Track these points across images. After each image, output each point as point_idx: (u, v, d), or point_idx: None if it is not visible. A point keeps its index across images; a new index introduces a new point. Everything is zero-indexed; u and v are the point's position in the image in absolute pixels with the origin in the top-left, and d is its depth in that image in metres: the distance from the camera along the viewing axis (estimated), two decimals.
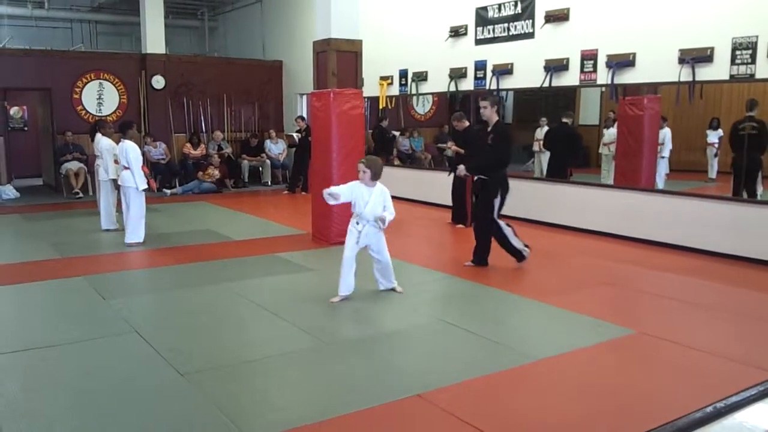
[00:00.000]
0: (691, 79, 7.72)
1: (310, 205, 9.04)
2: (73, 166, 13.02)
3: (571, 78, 9.15)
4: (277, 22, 15.90)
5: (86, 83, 13.80)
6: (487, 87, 10.33)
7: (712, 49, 7.51)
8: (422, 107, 14.25)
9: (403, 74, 12.02)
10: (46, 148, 14.63)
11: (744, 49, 7.25)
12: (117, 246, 8.30)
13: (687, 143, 10.50)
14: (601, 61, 8.70)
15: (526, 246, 7.27)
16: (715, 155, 11.02)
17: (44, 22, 16.86)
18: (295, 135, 13.63)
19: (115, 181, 8.89)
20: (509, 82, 10.11)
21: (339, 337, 5.04)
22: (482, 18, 10.41)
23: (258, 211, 11.24)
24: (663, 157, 10.07)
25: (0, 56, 13.22)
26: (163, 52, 14.66)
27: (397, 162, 13.82)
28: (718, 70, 7.50)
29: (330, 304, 5.79)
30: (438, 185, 10.30)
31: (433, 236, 9.26)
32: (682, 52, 7.77)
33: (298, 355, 4.67)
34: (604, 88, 9.78)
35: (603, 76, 8.71)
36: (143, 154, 13.16)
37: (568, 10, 9.13)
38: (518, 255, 7.21)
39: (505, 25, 10.02)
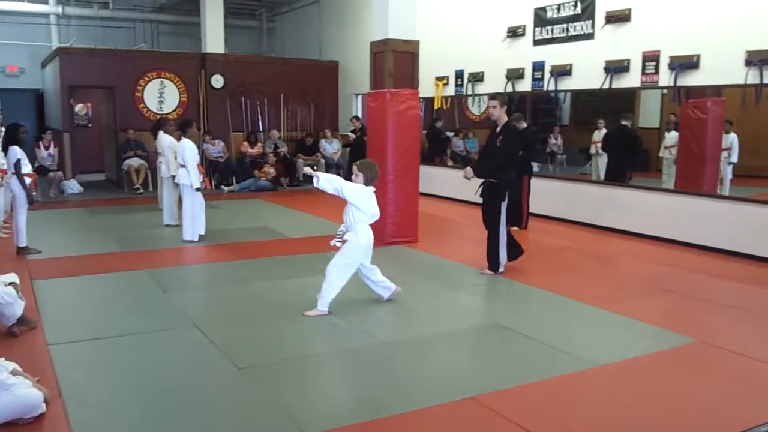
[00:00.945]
0: (758, 81, 7.49)
1: None
2: (135, 162, 13.37)
3: (631, 80, 8.97)
4: (333, 22, 16.03)
5: (148, 82, 14.14)
6: (545, 88, 10.22)
7: None
8: (477, 108, 14.16)
9: (459, 75, 11.97)
10: (108, 145, 15.06)
11: None
12: (177, 241, 8.50)
13: (753, 148, 10.17)
14: (664, 62, 8.50)
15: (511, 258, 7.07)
16: None
17: (108, 22, 17.38)
18: (350, 134, 13.72)
19: (173, 177, 9.09)
20: (568, 84, 9.97)
21: (393, 337, 5.05)
22: (541, 18, 10.29)
23: (312, 209, 11.34)
24: (730, 163, 9.80)
25: (66, 55, 13.66)
26: (223, 51, 14.94)
27: (450, 163, 13.77)
28: None
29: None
30: None
31: (485, 237, 9.17)
32: (749, 53, 7.54)
33: (352, 353, 4.71)
34: (665, 91, 9.55)
35: (665, 78, 8.51)
36: (202, 152, 13.49)
37: (629, 10, 8.95)
38: (497, 264, 6.91)
39: (564, 25, 9.88)
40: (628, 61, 8.95)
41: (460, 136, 14.44)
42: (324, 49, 16.48)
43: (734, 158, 9.82)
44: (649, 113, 12.26)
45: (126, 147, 13.54)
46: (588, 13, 9.52)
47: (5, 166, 7.81)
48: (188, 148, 8.38)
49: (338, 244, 5.55)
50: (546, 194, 10.25)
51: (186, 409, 3.81)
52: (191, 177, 8.35)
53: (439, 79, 12.35)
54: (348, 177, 13.89)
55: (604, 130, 11.74)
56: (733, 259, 7.72)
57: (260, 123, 15.25)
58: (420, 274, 6.92)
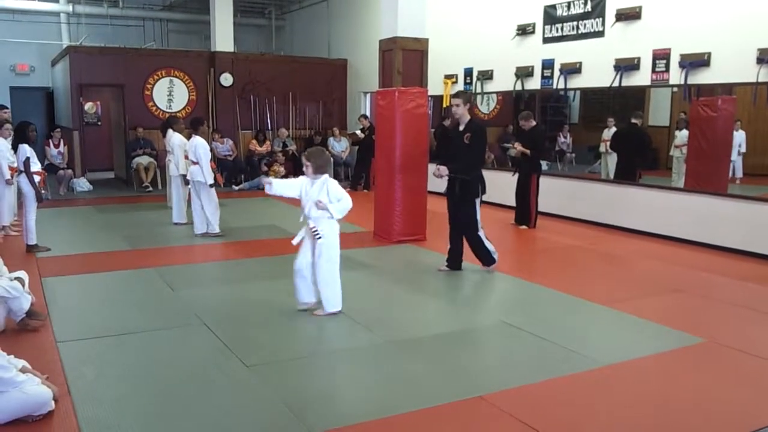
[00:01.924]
0: None
1: (371, 203, 9.08)
2: (144, 160, 13.41)
3: (642, 78, 8.92)
4: (342, 21, 16.01)
5: (157, 80, 14.17)
6: (555, 86, 10.19)
7: None
8: (486, 106, 14.11)
9: (468, 73, 11.93)
10: (118, 143, 15.11)
11: None
12: (185, 239, 8.52)
13: (763, 146, 10.10)
14: (674, 60, 8.45)
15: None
16: None
17: (118, 20, 17.41)
18: (358, 132, 13.71)
19: (184, 176, 9.11)
20: (577, 82, 9.93)
21: (401, 335, 5.04)
22: (550, 16, 10.25)
23: None
24: (740, 154, 9.78)
25: (76, 54, 13.70)
26: (232, 50, 14.96)
27: None
28: None
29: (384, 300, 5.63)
30: (501, 185, 10.19)
31: (495, 237, 9.12)
32: (761, 51, 7.48)
33: (360, 352, 4.70)
34: (675, 89, 9.50)
35: (676, 76, 8.46)
36: (211, 150, 13.51)
37: (640, 8, 8.91)
38: (456, 263, 6.91)
39: (574, 23, 9.84)
40: (639, 59, 8.90)
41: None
42: (333, 47, 16.48)
43: (743, 149, 9.79)
44: (659, 111, 12.18)
45: (135, 145, 13.59)
46: (598, 10, 9.47)
47: (15, 164, 7.85)
48: (200, 146, 8.41)
49: (318, 240, 5.34)
50: (555, 193, 10.21)
51: (194, 406, 3.81)
52: (205, 173, 8.38)
53: (448, 77, 12.32)
54: (357, 175, 13.90)
55: (613, 129, 11.67)
56: (744, 259, 7.67)
57: (269, 121, 15.26)
58: (428, 273, 6.89)
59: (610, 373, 4.33)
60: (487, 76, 11.53)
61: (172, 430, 3.52)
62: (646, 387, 4.15)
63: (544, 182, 9.55)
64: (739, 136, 9.79)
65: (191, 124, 8.84)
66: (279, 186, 5.42)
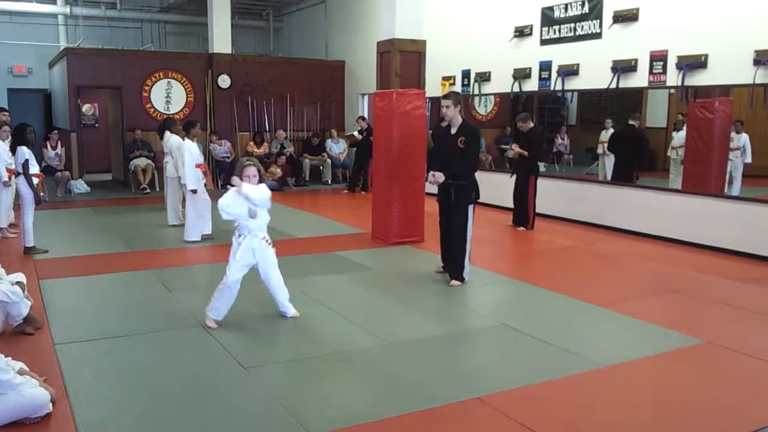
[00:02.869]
0: (766, 81, 7.45)
1: (369, 205, 9.09)
2: (141, 162, 13.41)
3: (639, 79, 8.93)
4: (340, 22, 16.03)
5: (155, 82, 14.17)
6: (552, 88, 10.20)
7: None
8: (484, 108, 14.13)
9: (466, 74, 11.95)
10: (115, 145, 15.10)
11: None
12: (182, 241, 8.50)
13: (762, 148, 10.11)
14: (671, 62, 8.46)
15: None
16: None
17: (116, 22, 17.43)
18: (356, 134, 13.71)
19: (179, 178, 9.10)
20: (575, 83, 9.95)
21: (399, 337, 5.03)
22: (548, 18, 10.27)
23: (319, 209, 11.36)
24: (744, 163, 9.76)
25: (74, 55, 13.69)
26: (230, 52, 14.96)
27: None
28: None
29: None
30: (498, 187, 10.21)
31: (494, 239, 9.16)
32: (758, 53, 7.49)
33: (358, 354, 4.70)
34: (672, 90, 9.52)
35: (673, 77, 8.48)
36: (208, 152, 13.51)
37: (637, 9, 8.92)
38: (462, 271, 6.50)
39: (572, 25, 9.86)
40: (636, 60, 8.91)
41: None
42: (330, 49, 16.49)
43: (748, 158, 9.76)
44: (656, 113, 12.21)
45: (133, 147, 13.58)
46: (595, 12, 9.49)
47: (13, 166, 7.85)
48: (187, 149, 8.40)
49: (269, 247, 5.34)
50: (552, 194, 10.23)
51: (192, 408, 3.81)
52: (187, 178, 8.37)
53: (445, 78, 12.33)
54: (354, 176, 13.89)
55: (611, 130, 11.70)
56: (741, 260, 7.68)
57: (266, 123, 15.27)
58: (426, 274, 6.89)
59: (609, 375, 4.34)
60: (484, 77, 11.54)
61: None
62: (644, 388, 4.16)
63: (542, 184, 9.56)
64: (743, 139, 9.75)
65: (184, 127, 8.84)
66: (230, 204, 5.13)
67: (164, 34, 18.24)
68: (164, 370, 4.37)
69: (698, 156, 9.25)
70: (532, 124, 9.42)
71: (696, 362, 4.61)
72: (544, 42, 10.37)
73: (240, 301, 5.92)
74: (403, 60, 8.57)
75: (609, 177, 11.10)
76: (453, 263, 6.54)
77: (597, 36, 9.51)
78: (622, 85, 9.15)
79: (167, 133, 9.52)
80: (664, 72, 8.59)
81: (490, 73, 11.44)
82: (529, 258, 8.01)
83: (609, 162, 11.43)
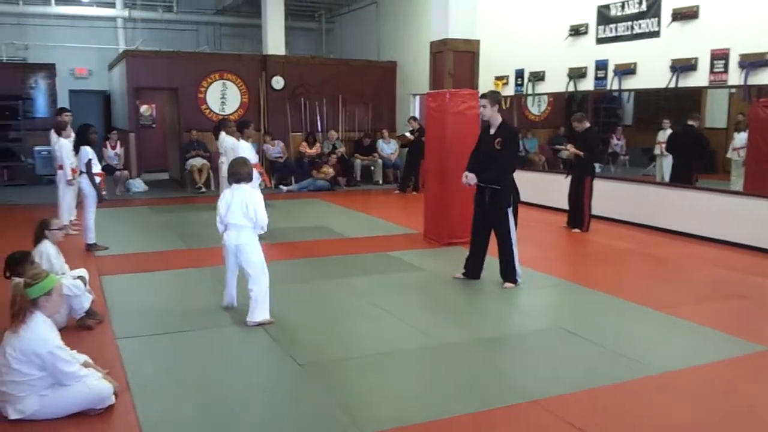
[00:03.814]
0: None
1: (420, 205, 9.08)
2: (197, 162, 13.66)
3: (699, 79, 8.71)
4: (392, 23, 16.05)
5: (210, 83, 14.42)
6: (608, 87, 10.03)
7: None
8: (537, 108, 13.97)
9: (519, 74, 11.83)
10: (172, 145, 15.43)
11: None
12: None
13: None
14: (733, 60, 8.22)
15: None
16: None
17: (173, 25, 17.83)
18: (407, 134, 13.71)
19: None
20: (632, 83, 9.75)
21: (452, 339, 5.01)
22: (604, 16, 10.09)
23: (370, 209, 11.39)
24: None
25: (133, 57, 14.05)
26: (283, 53, 15.13)
27: None
28: None
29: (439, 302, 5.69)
30: (552, 188, 10.08)
31: (548, 240, 9.06)
32: None
33: (412, 354, 4.71)
34: (733, 90, 9.25)
35: (735, 76, 8.23)
36: (262, 152, 13.68)
37: (697, 7, 8.69)
38: (476, 272, 6.48)
39: (629, 23, 9.67)
40: (696, 59, 8.69)
41: (519, 136, 14.25)
42: (382, 49, 16.53)
43: None
44: (715, 113, 11.86)
45: (189, 147, 13.85)
46: (654, 10, 9.28)
47: (75, 165, 8.09)
48: (243, 149, 8.52)
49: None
50: (609, 196, 10.04)
51: (248, 403, 3.88)
52: None
53: (498, 78, 12.23)
54: (405, 177, 13.89)
55: (668, 131, 11.42)
56: None
57: (319, 123, 15.39)
58: (490, 275, 6.84)
59: (667, 381, 4.24)
60: (538, 77, 11.41)
61: (226, 426, 3.58)
62: (704, 396, 4.06)
63: (597, 185, 9.39)
64: None
65: (238, 127, 8.97)
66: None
67: (219, 36, 18.57)
68: (221, 366, 4.46)
69: (761, 157, 8.95)
70: (587, 125, 9.27)
71: (759, 370, 4.48)
72: (600, 41, 10.19)
73: (294, 300, 6.01)
74: (456, 60, 8.54)
75: (667, 178, 10.83)
76: (503, 266, 6.45)
77: (655, 34, 9.30)
78: (681, 84, 8.93)
79: (222, 134, 9.67)
80: (726, 71, 8.34)
81: (544, 72, 11.30)
82: (585, 260, 7.88)
83: (666, 163, 11.16)
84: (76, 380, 3.60)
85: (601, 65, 10.14)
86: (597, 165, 10.53)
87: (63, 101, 15.54)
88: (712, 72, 8.53)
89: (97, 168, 7.78)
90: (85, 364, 3.80)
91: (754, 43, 7.98)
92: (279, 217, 9.97)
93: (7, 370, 3.52)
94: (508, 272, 6.42)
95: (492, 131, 6.33)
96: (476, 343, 4.93)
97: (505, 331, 5.28)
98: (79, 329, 5.02)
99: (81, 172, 7.80)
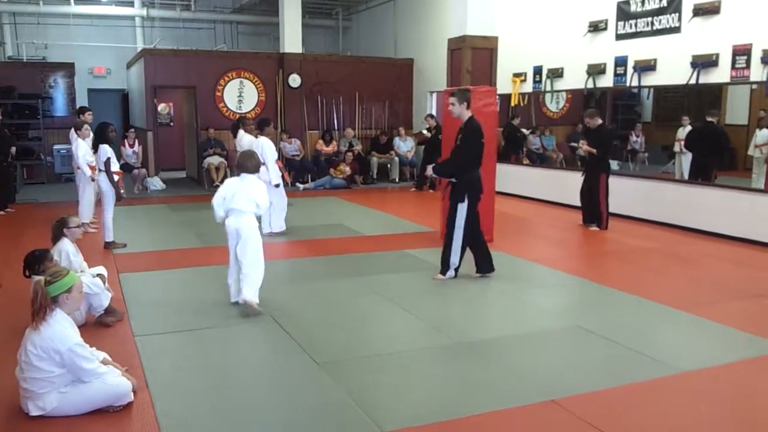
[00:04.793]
0: None
1: (437, 203, 9.03)
2: (214, 160, 13.70)
3: (720, 75, 8.61)
4: (409, 20, 16.01)
5: (228, 81, 14.47)
6: (628, 83, 9.94)
7: None
8: (555, 105, 13.87)
9: (538, 71, 11.76)
10: (189, 143, 15.50)
11: None
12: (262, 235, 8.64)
13: None
14: (756, 56, 8.12)
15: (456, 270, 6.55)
16: None
17: (190, 23, 17.89)
18: (424, 131, 13.67)
19: None
20: (652, 79, 9.66)
21: (470, 337, 4.99)
22: (624, 12, 10.00)
23: (387, 207, 11.37)
24: None
25: (150, 56, 14.13)
26: (300, 51, 15.14)
27: (526, 161, 13.54)
28: None
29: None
30: (570, 186, 10.00)
31: (566, 238, 8.99)
32: None
33: (430, 352, 4.68)
34: (754, 86, 9.13)
35: (757, 72, 8.13)
36: (279, 150, 13.70)
37: (719, 2, 8.59)
38: (447, 268, 6.47)
39: (649, 19, 9.57)
40: (717, 55, 8.59)
41: (537, 134, 14.18)
42: (399, 46, 16.49)
43: None
44: (736, 109, 11.71)
45: (206, 145, 13.90)
46: (674, 5, 9.18)
47: (94, 163, 8.14)
48: (266, 146, 8.53)
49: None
50: (627, 193, 9.96)
51: (266, 401, 3.88)
52: (270, 174, 8.49)
53: (516, 75, 12.17)
54: (422, 175, 13.87)
55: (688, 128, 11.29)
56: None
57: (335, 121, 15.40)
58: (497, 274, 6.80)
59: (688, 380, 4.19)
60: (557, 73, 11.33)
61: (245, 424, 3.58)
62: (725, 396, 4.01)
63: (616, 182, 9.31)
64: None
65: (258, 125, 9.00)
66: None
67: (236, 35, 18.62)
68: (239, 364, 4.47)
69: None
70: (600, 121, 9.20)
71: None
72: (619, 37, 10.10)
73: (311, 298, 6.01)
74: (474, 57, 8.49)
75: (686, 176, 10.72)
76: (441, 255, 6.54)
77: (676, 30, 9.20)
78: (702, 80, 8.84)
79: (240, 132, 9.69)
80: (748, 66, 8.24)
81: (562, 69, 11.22)
82: (604, 259, 7.81)
83: (686, 160, 11.03)
84: (96, 377, 3.62)
85: (621, 61, 10.06)
86: (615, 162, 10.45)
87: (82, 100, 15.66)
88: (733, 68, 8.43)
89: (115, 166, 7.83)
90: (104, 362, 3.81)
91: None
92: (296, 215, 9.98)
93: (28, 367, 3.54)
94: (442, 262, 6.50)
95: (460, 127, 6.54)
96: (494, 341, 4.90)
97: (523, 329, 5.23)
98: (98, 326, 5.04)
99: (99, 171, 7.85)
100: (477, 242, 6.59)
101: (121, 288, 6.08)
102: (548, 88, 11.63)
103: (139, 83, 14.64)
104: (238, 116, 12.98)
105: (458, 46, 8.61)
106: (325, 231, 9.16)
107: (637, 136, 13.21)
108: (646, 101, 12.68)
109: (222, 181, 13.27)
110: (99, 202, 8.57)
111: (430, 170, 6.72)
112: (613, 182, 9.20)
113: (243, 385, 4.10)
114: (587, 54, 10.63)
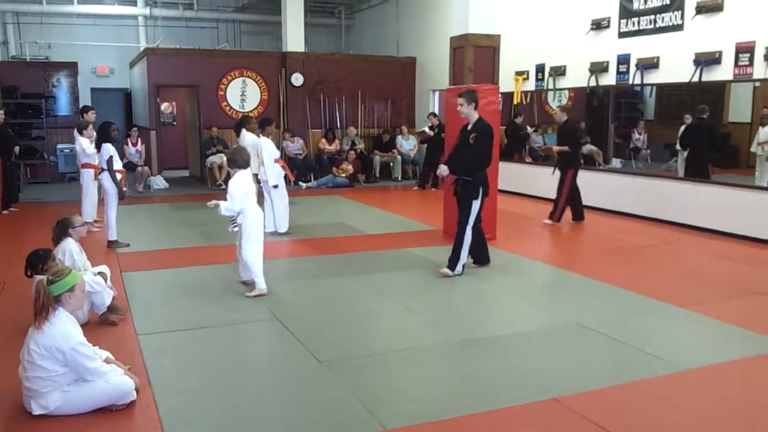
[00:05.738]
0: None
1: (440, 201, 9.05)
2: (217, 159, 13.70)
3: (723, 72, 8.58)
4: (411, 18, 16.00)
5: (231, 80, 14.47)
6: (630, 81, 9.92)
7: None
8: (557, 102, 13.86)
9: (540, 69, 11.75)
10: (192, 142, 15.52)
11: None
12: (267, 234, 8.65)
13: None
14: (759, 53, 8.09)
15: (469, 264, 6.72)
16: None
17: (193, 22, 17.89)
18: (427, 130, 13.66)
19: (256, 175, 9.25)
20: (654, 77, 9.64)
21: (473, 335, 5.00)
22: (626, 10, 9.98)
23: (389, 206, 11.38)
24: None
25: (153, 55, 14.13)
26: (302, 50, 15.14)
27: (529, 159, 13.53)
28: None
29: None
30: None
31: (567, 236, 9.00)
32: None
33: (432, 350, 4.69)
34: (757, 83, 9.11)
35: (761, 69, 8.10)
36: (282, 149, 13.71)
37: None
38: (456, 264, 6.55)
39: (652, 16, 9.56)
40: (720, 52, 8.57)
41: (539, 132, 14.18)
42: (401, 45, 16.48)
43: None
44: (739, 107, 11.70)
45: (209, 144, 13.91)
46: (677, 3, 9.16)
47: (97, 162, 8.16)
48: (265, 146, 8.55)
49: (235, 230, 5.97)
50: (627, 191, 9.95)
51: (269, 399, 3.89)
52: (267, 174, 8.51)
53: (518, 73, 12.16)
54: (425, 173, 13.86)
55: None
56: None
57: (338, 120, 15.40)
58: (499, 272, 6.81)
59: (689, 378, 4.19)
60: (559, 72, 11.32)
61: (247, 422, 3.59)
62: (727, 393, 4.00)
63: (617, 180, 9.33)
64: None
65: (260, 125, 9.00)
66: (225, 209, 5.93)
67: (239, 34, 18.61)
68: (242, 362, 4.48)
69: None
70: (565, 117, 9.38)
71: None
72: (622, 35, 10.09)
73: (314, 296, 6.02)
74: (476, 55, 8.47)
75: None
76: (452, 251, 6.60)
77: (678, 28, 9.18)
78: (705, 78, 8.81)
79: (243, 131, 9.69)
80: (751, 64, 8.22)
81: (565, 67, 11.21)
82: (604, 256, 7.80)
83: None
84: (99, 376, 3.63)
85: (623, 59, 10.04)
86: (618, 160, 10.44)
87: (85, 99, 15.68)
88: (736, 65, 8.41)
89: (118, 165, 7.84)
90: (107, 361, 3.82)
91: None
92: (299, 213, 9.99)
93: (31, 366, 3.55)
94: (452, 259, 6.59)
95: (469, 127, 6.63)
96: (496, 339, 4.90)
97: (524, 327, 5.24)
98: (100, 325, 5.06)
99: (102, 169, 7.86)
100: (476, 233, 6.71)
101: (124, 287, 6.09)
102: (550, 87, 11.61)
103: (142, 82, 14.65)
104: (241, 115, 12.98)
105: (460, 45, 8.59)
106: (328, 229, 9.17)
107: (640, 134, 13.20)
108: (648, 99, 12.68)
109: (225, 180, 13.41)
110: (102, 200, 8.58)
111: (444, 169, 6.71)
112: (614, 179, 9.21)
113: (245, 383, 4.11)
114: (590, 52, 10.62)
